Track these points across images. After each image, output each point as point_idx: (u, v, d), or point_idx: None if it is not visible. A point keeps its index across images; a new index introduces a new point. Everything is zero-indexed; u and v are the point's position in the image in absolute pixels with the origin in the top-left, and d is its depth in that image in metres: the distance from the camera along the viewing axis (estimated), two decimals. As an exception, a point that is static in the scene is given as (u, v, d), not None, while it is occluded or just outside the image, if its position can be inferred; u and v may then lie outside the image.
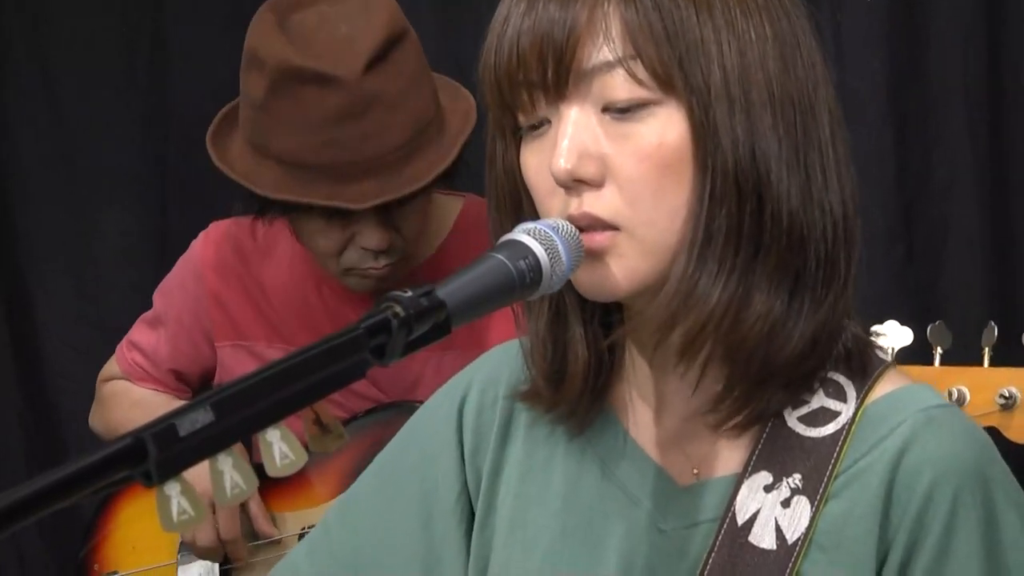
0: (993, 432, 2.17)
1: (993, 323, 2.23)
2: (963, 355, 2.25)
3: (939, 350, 2.24)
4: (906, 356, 2.22)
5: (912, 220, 2.73)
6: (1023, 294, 2.45)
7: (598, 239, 1.31)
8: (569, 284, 1.34)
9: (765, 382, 1.35)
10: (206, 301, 2.57)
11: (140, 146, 3.29)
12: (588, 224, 1.31)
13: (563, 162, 1.30)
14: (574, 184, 1.31)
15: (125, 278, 3.26)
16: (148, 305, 2.71)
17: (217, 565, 2.55)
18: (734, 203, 1.31)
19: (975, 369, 2.23)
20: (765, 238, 1.33)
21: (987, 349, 2.22)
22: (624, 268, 1.33)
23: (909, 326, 2.19)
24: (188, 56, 3.25)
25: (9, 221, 3.33)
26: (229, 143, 2.43)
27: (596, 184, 1.32)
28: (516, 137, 1.37)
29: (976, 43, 2.70)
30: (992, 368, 2.22)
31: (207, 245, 2.59)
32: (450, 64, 2.63)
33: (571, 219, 1.31)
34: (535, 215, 1.36)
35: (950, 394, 2.20)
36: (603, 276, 1.32)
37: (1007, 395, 2.20)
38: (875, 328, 2.20)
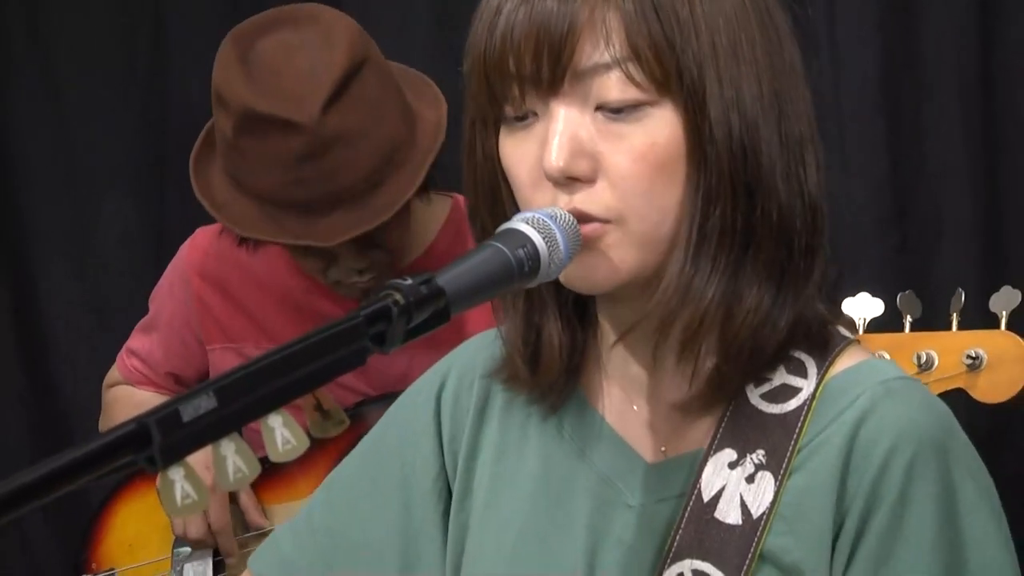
0: (960, 392, 2.23)
1: (961, 289, 2.26)
2: (917, 315, 2.29)
3: (909, 318, 2.27)
4: (880, 326, 2.27)
5: (905, 210, 2.74)
6: (1014, 282, 2.44)
7: (587, 230, 1.31)
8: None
9: (736, 360, 1.36)
10: (194, 305, 2.57)
11: (139, 139, 3.29)
12: (579, 218, 1.30)
13: (556, 159, 1.30)
14: (566, 181, 1.31)
15: (124, 265, 3.27)
16: (146, 291, 2.71)
17: (210, 559, 2.55)
18: (728, 202, 1.32)
19: (943, 333, 2.26)
20: (756, 235, 1.34)
21: (955, 315, 2.25)
22: (612, 260, 1.33)
23: (901, 319, 2.23)
24: (185, 53, 3.24)
25: (14, 211, 3.33)
26: (210, 170, 2.40)
27: (588, 181, 1.31)
28: (496, 126, 1.36)
29: (969, 35, 2.70)
30: (959, 332, 2.25)
31: (193, 250, 2.59)
32: (449, 60, 2.63)
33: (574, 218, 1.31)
34: (512, 203, 1.36)
35: (919, 357, 2.23)
36: (591, 267, 1.32)
37: (974, 355, 2.22)
38: (847, 301, 2.24)
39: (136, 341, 2.66)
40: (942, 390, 2.21)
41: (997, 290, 2.33)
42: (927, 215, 2.74)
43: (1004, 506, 1.37)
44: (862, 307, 2.24)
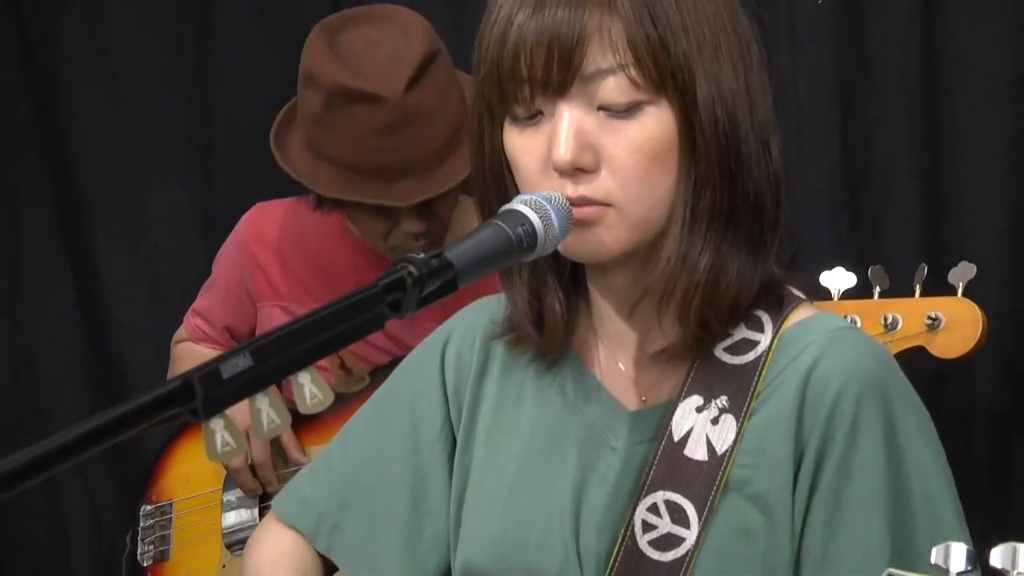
0: (921, 350, 2.26)
1: (924, 264, 2.30)
2: (886, 287, 2.32)
3: (878, 289, 2.30)
4: (851, 296, 2.31)
5: (856, 194, 2.73)
6: (952, 257, 2.45)
7: (588, 211, 1.33)
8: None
9: (725, 324, 1.38)
10: (250, 268, 2.60)
11: (187, 130, 3.28)
12: (582, 203, 1.32)
13: (564, 152, 1.31)
14: (572, 171, 1.32)
15: (174, 243, 3.26)
16: (196, 266, 2.75)
17: (257, 500, 2.56)
18: (716, 186, 1.34)
19: (907, 299, 2.30)
20: (737, 213, 1.35)
21: (918, 286, 2.29)
22: (611, 238, 1.34)
23: (858, 289, 2.26)
24: (228, 52, 3.23)
25: (76, 197, 3.32)
26: (288, 143, 2.46)
27: (592, 171, 1.32)
28: (502, 122, 1.37)
29: (912, 39, 2.69)
30: (921, 298, 2.29)
31: (251, 222, 2.63)
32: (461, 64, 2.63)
33: (568, 200, 1.32)
34: (516, 189, 1.37)
35: (885, 319, 2.28)
36: (593, 243, 1.34)
37: (933, 317, 2.26)
38: (824, 274, 2.29)
39: (199, 302, 2.70)
40: (905, 347, 2.27)
41: (937, 262, 2.36)
42: (875, 198, 2.74)
43: (943, 438, 1.38)
44: (837, 279, 2.29)
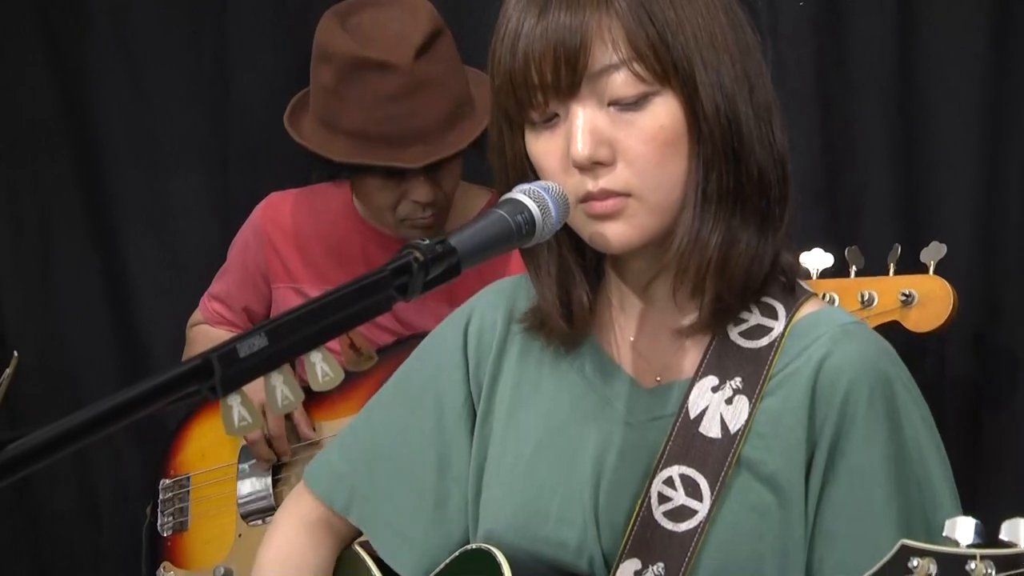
0: (896, 324, 2.27)
1: (897, 244, 2.31)
2: (861, 266, 2.32)
3: (854, 268, 2.31)
4: (828, 275, 2.32)
5: (835, 184, 2.73)
6: (925, 241, 2.45)
7: (611, 204, 1.33)
8: (570, 242, 1.37)
9: (722, 298, 1.37)
10: (265, 252, 2.60)
11: (206, 125, 3.27)
12: (604, 196, 1.32)
13: (582, 148, 1.31)
14: (591, 166, 1.32)
15: (194, 229, 3.26)
16: (214, 251, 2.75)
17: (270, 470, 2.55)
18: (722, 166, 1.34)
19: (882, 278, 2.30)
20: (743, 191, 1.35)
21: (892, 265, 2.29)
22: (635, 226, 1.34)
23: (834, 277, 2.27)
24: (243, 51, 3.22)
25: (103, 186, 3.32)
26: (302, 123, 2.47)
27: (609, 163, 1.32)
28: (522, 127, 1.37)
29: (888, 37, 2.68)
30: (895, 276, 2.30)
31: (266, 210, 2.64)
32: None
33: (590, 195, 1.32)
34: None
35: (862, 295, 2.28)
36: (619, 234, 1.34)
37: (907, 293, 2.27)
38: (804, 255, 2.30)
39: (215, 286, 2.70)
40: (881, 322, 2.28)
41: (910, 245, 2.36)
42: (853, 186, 2.73)
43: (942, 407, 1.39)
44: (816, 259, 2.28)
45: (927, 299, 2.26)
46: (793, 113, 2.69)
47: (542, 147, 1.34)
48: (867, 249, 2.36)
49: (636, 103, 1.31)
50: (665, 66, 1.30)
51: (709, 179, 1.33)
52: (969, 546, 1.03)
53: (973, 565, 1.02)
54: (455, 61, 2.41)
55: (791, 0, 2.68)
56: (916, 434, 1.36)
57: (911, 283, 2.26)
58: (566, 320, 1.43)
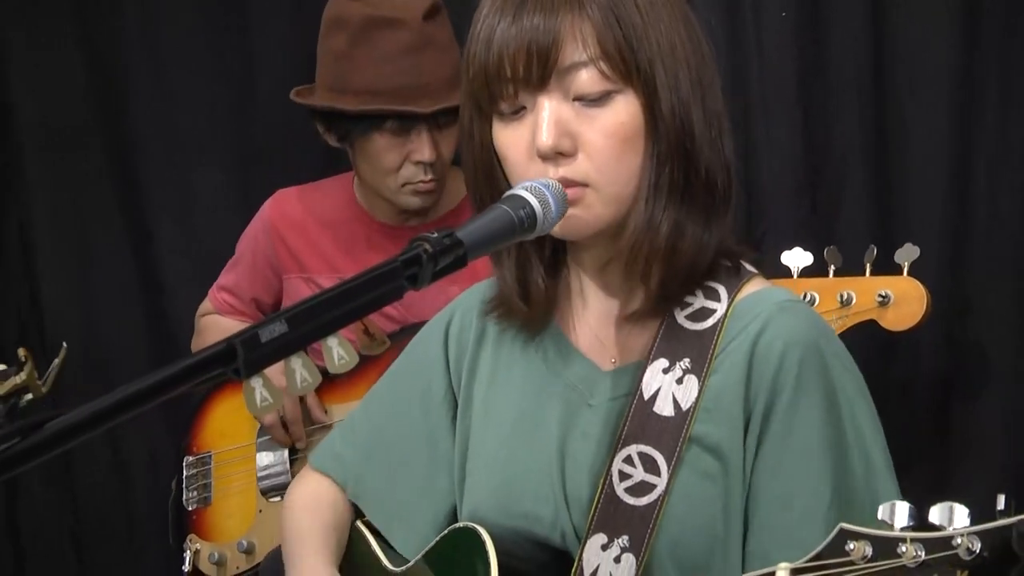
0: (873, 324, 2.25)
1: (873, 245, 2.29)
2: (839, 265, 2.29)
3: (833, 267, 2.28)
4: (809, 273, 2.29)
5: (815, 181, 2.72)
6: (898, 234, 2.46)
7: (569, 193, 1.33)
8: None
9: (682, 286, 1.38)
10: (275, 246, 2.59)
11: (228, 124, 3.27)
12: (564, 184, 1.32)
13: (546, 138, 1.31)
14: (554, 156, 1.32)
15: (217, 222, 3.25)
16: (234, 241, 2.73)
17: (285, 449, 2.55)
18: (674, 163, 1.34)
19: (860, 278, 2.28)
20: (692, 187, 1.36)
21: (868, 265, 2.27)
22: (591, 215, 1.35)
23: (814, 267, 2.24)
24: (263, 55, 3.21)
25: (134, 182, 3.31)
26: (309, 97, 2.49)
27: (570, 154, 1.33)
28: (490, 119, 1.37)
29: (864, 44, 2.67)
30: (872, 277, 2.27)
31: (274, 205, 2.62)
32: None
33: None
34: (505, 179, 1.37)
35: (841, 296, 2.26)
36: (576, 222, 1.34)
37: (884, 294, 2.24)
38: (785, 253, 2.26)
39: (225, 278, 2.69)
40: (858, 321, 2.25)
41: (886, 241, 2.35)
42: (832, 185, 2.72)
43: (890, 402, 1.38)
44: (796, 258, 2.26)
45: (902, 299, 2.24)
46: (776, 115, 2.71)
47: (508, 137, 1.35)
48: (844, 241, 2.36)
49: (599, 99, 1.32)
50: (629, 67, 1.31)
51: (661, 174, 1.33)
52: (902, 529, 1.03)
53: (904, 548, 1.02)
54: (453, 36, 2.41)
55: (775, 11, 2.68)
56: (849, 401, 1.36)
57: (887, 284, 2.25)
58: (524, 301, 1.44)
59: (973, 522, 1.01)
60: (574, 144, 1.32)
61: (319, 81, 2.46)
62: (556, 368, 1.46)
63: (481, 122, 1.38)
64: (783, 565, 1.10)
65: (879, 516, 1.05)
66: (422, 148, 2.37)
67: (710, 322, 1.38)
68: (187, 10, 3.25)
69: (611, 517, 1.36)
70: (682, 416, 1.35)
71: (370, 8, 2.36)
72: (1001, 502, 0.99)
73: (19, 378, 2.14)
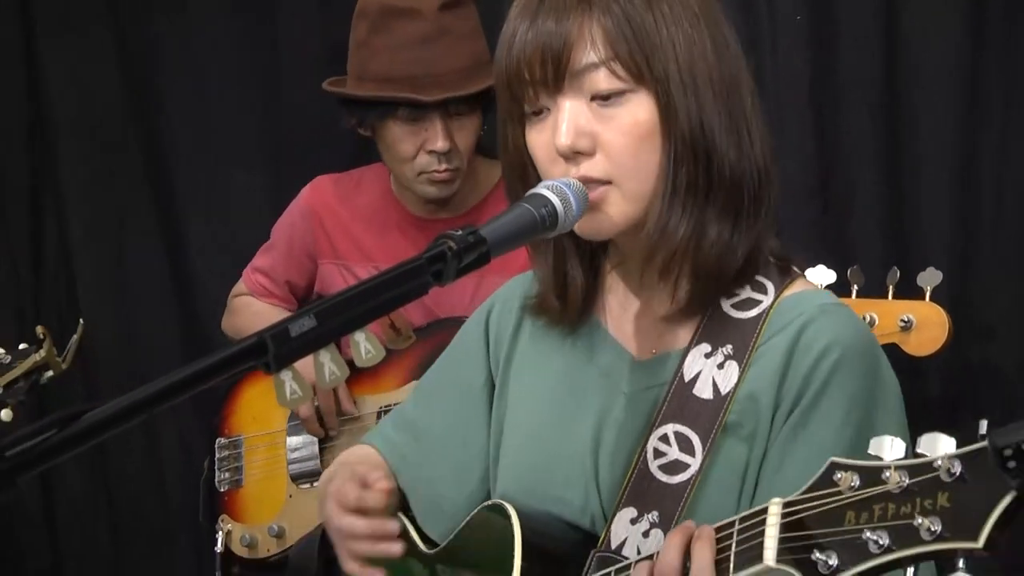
0: (894, 347, 2.21)
1: (896, 268, 2.24)
2: (865, 285, 2.25)
3: (855, 287, 2.24)
4: (831, 290, 2.23)
5: (827, 181, 2.71)
6: (910, 236, 2.44)
7: (595, 193, 1.32)
8: (571, 231, 1.35)
9: (706, 282, 1.37)
10: (312, 231, 2.58)
11: (260, 126, 3.27)
12: (587, 183, 1.32)
13: (564, 139, 1.31)
14: (573, 155, 1.32)
15: (248, 218, 3.25)
16: (265, 238, 2.72)
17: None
18: (691, 162, 1.33)
19: (882, 301, 2.24)
20: (713, 186, 1.34)
21: (891, 287, 2.24)
22: (616, 213, 1.34)
23: (823, 262, 2.19)
24: (295, 50, 3.22)
25: (170, 182, 3.32)
26: (336, 85, 2.50)
27: (589, 153, 1.32)
28: (521, 122, 1.37)
29: (875, 49, 2.66)
30: (894, 300, 2.24)
31: (313, 190, 2.62)
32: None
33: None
34: (537, 178, 1.36)
35: (864, 318, 2.20)
36: (599, 221, 1.34)
37: (905, 320, 2.21)
38: (808, 271, 2.21)
39: (260, 260, 2.68)
40: (881, 344, 2.19)
41: (895, 242, 2.32)
42: (843, 185, 2.71)
43: (919, 420, 1.36)
44: (819, 276, 2.19)
45: (924, 325, 2.20)
46: (789, 116, 2.70)
47: (535, 138, 1.36)
48: (854, 241, 2.33)
49: (614, 98, 1.31)
50: (639, 66, 1.30)
51: (679, 173, 1.32)
52: (894, 461, 1.03)
53: (888, 474, 1.02)
54: (477, 28, 2.40)
55: (789, 16, 2.68)
56: (879, 409, 1.34)
57: (910, 309, 2.21)
58: (560, 299, 1.44)
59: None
60: (592, 143, 1.32)
61: (347, 70, 2.47)
62: (593, 357, 1.46)
63: (513, 125, 1.38)
64: (776, 500, 1.10)
65: (870, 450, 1.05)
66: (435, 137, 2.36)
67: (754, 312, 1.37)
68: (218, 14, 3.26)
69: (643, 492, 1.35)
70: (720, 400, 1.34)
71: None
72: (983, 427, 0.99)
73: (39, 355, 2.15)
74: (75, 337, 2.14)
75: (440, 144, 2.36)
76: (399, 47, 2.33)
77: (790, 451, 1.32)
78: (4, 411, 2.16)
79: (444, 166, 2.38)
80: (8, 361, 2.17)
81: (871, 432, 1.28)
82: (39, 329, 2.15)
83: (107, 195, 3.34)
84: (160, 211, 3.32)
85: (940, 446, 1.01)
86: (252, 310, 2.64)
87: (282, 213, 2.70)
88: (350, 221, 2.56)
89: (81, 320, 2.18)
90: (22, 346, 2.20)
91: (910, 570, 1.01)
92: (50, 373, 2.15)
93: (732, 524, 1.14)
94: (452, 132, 2.37)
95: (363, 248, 2.55)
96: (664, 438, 1.36)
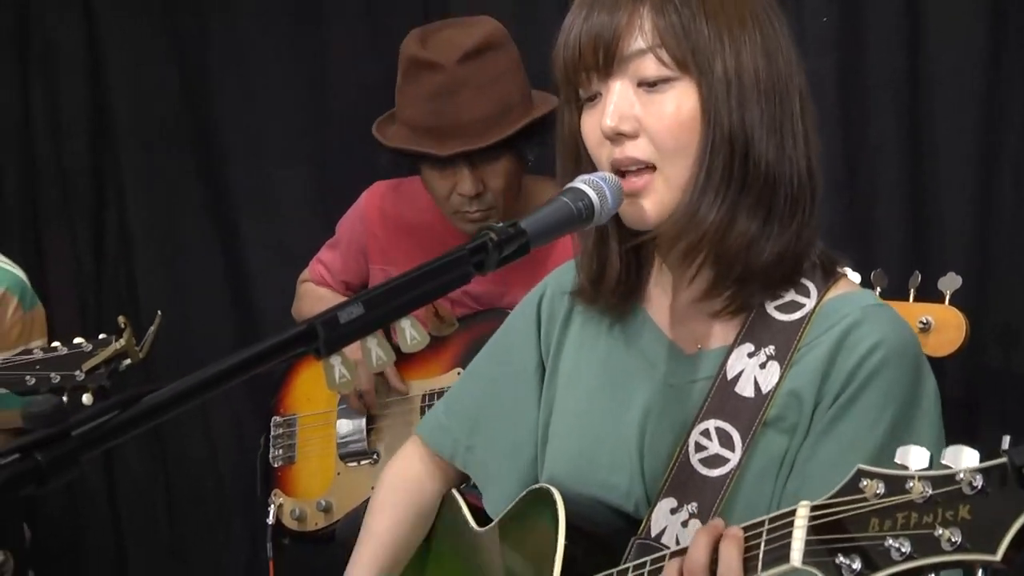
0: None
1: (918, 272, 2.22)
2: (891, 276, 2.22)
3: (879, 289, 2.21)
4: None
5: (853, 176, 2.69)
6: (929, 233, 2.42)
7: (638, 182, 1.32)
8: (615, 218, 1.34)
9: (746, 282, 1.35)
10: (367, 235, 2.59)
11: (308, 127, 3.28)
12: (629, 164, 1.32)
13: (610, 120, 1.32)
14: (616, 137, 1.32)
15: (298, 215, 3.27)
16: (311, 234, 2.74)
17: (364, 415, 2.56)
18: (727, 154, 1.31)
19: (903, 303, 2.21)
20: (748, 180, 1.32)
21: (912, 290, 2.22)
22: (656, 201, 1.33)
23: (849, 254, 2.13)
24: (342, 55, 3.22)
25: (221, 178, 3.34)
26: (379, 126, 2.46)
27: (633, 136, 1.32)
28: (577, 107, 1.37)
29: (899, 48, 2.64)
30: (915, 302, 2.22)
31: (371, 197, 2.61)
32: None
33: (615, 162, 1.32)
34: (590, 161, 1.37)
35: None
36: (641, 208, 1.33)
37: (925, 321, 2.19)
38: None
39: (324, 254, 2.69)
40: None
41: (917, 235, 2.29)
42: (868, 180, 2.69)
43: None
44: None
45: (943, 327, 2.18)
46: (816, 112, 2.68)
47: (587, 122, 1.37)
48: (879, 232, 2.30)
49: (658, 85, 1.32)
50: (684, 55, 1.31)
51: (713, 162, 1.31)
52: (919, 470, 1.02)
53: (912, 484, 1.02)
54: (507, 72, 2.34)
55: (816, 17, 2.66)
56: (917, 411, 1.31)
57: (929, 311, 2.19)
58: (594, 284, 1.43)
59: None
60: (636, 126, 1.32)
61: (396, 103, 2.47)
62: (642, 348, 1.45)
63: (570, 111, 1.39)
64: (804, 503, 1.10)
65: (896, 459, 1.05)
66: (463, 183, 2.34)
67: (798, 315, 1.36)
68: (270, 22, 3.27)
69: (683, 484, 1.34)
70: (761, 398, 1.33)
71: (417, 48, 2.34)
72: (1006, 442, 0.98)
73: (118, 344, 2.16)
74: (152, 328, 2.16)
75: (468, 189, 2.34)
76: (422, 98, 2.31)
77: (823, 442, 1.30)
78: (85, 395, 2.19)
79: (475, 207, 2.36)
80: (89, 349, 2.20)
81: (906, 432, 1.29)
82: (120, 319, 2.17)
83: (164, 192, 3.36)
84: (213, 207, 3.34)
85: (963, 459, 1.01)
86: (316, 295, 2.68)
87: (328, 209, 2.71)
88: (401, 229, 2.56)
89: (159, 312, 2.20)
90: (102, 336, 2.22)
91: None
92: (128, 361, 2.17)
93: (761, 524, 1.14)
94: (482, 175, 2.34)
95: (411, 257, 2.54)
96: (706, 432, 1.34)
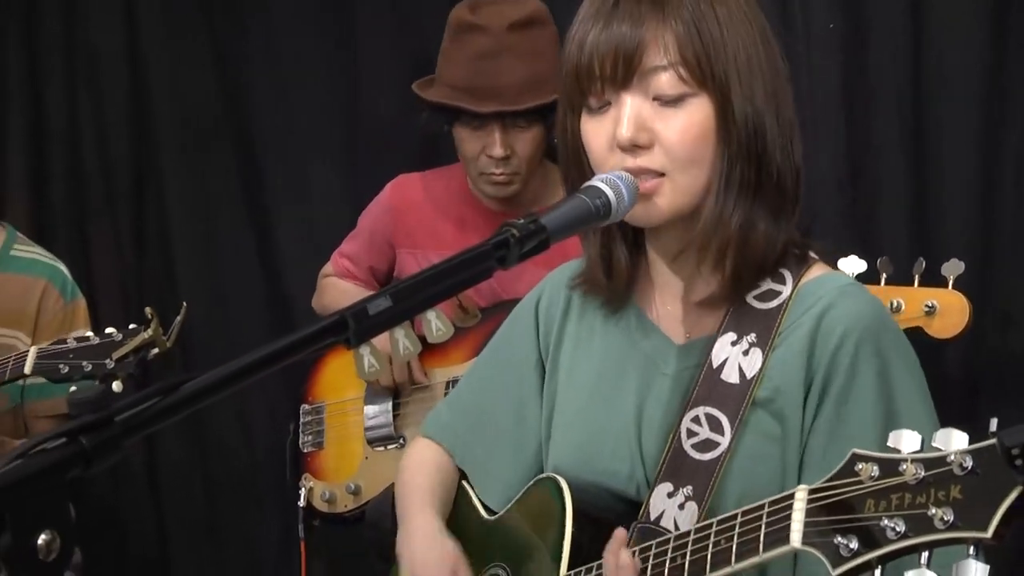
0: (919, 331, 2.18)
1: (922, 259, 2.22)
2: (892, 274, 2.22)
3: (884, 275, 2.23)
4: (862, 280, 2.18)
5: (856, 176, 2.68)
6: (932, 228, 2.40)
7: (649, 185, 1.32)
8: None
9: (742, 276, 1.37)
10: (393, 223, 2.60)
11: (337, 126, 3.29)
12: (640, 172, 1.32)
13: (626, 131, 1.31)
14: (632, 147, 1.32)
15: (327, 210, 3.27)
16: (343, 227, 2.74)
17: (390, 401, 2.56)
18: (744, 164, 1.32)
19: (908, 288, 2.22)
20: (763, 185, 1.34)
21: (917, 276, 2.22)
22: (666, 203, 1.34)
23: (853, 251, 2.18)
24: (372, 54, 3.22)
25: (257, 173, 3.35)
26: (421, 86, 2.51)
27: (647, 147, 1.32)
28: (579, 112, 1.37)
29: (903, 52, 2.62)
30: (919, 288, 2.22)
31: (395, 187, 2.63)
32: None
33: (628, 171, 1.32)
34: (590, 167, 1.37)
35: (891, 303, 2.20)
36: (650, 210, 1.34)
37: (929, 305, 2.19)
38: (841, 261, 2.19)
39: (347, 247, 2.70)
40: (906, 327, 2.17)
41: (920, 234, 2.28)
42: (871, 179, 2.68)
43: (942, 400, 1.35)
44: (851, 265, 2.18)
45: (947, 311, 2.18)
46: (821, 116, 2.67)
47: (593, 129, 1.35)
48: (881, 229, 2.29)
49: (675, 101, 1.31)
50: (705, 73, 1.30)
51: (732, 172, 1.32)
52: (911, 453, 1.02)
53: (904, 467, 1.02)
54: (546, 49, 2.37)
55: (823, 22, 2.65)
56: (901, 378, 1.33)
57: (933, 295, 2.19)
58: (606, 275, 1.44)
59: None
60: (650, 138, 1.32)
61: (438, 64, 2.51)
62: (635, 340, 1.46)
63: (573, 116, 1.38)
64: (802, 487, 1.10)
65: (889, 443, 1.05)
66: (493, 144, 2.38)
67: (775, 302, 1.37)
68: (302, 23, 3.27)
69: (677, 469, 1.35)
70: (746, 383, 1.34)
71: (467, 13, 2.40)
72: (994, 424, 0.99)
73: (147, 334, 2.18)
74: (179, 318, 2.17)
75: (497, 151, 2.38)
76: (466, 59, 2.36)
77: (838, 428, 1.31)
78: (115, 383, 2.21)
79: (501, 170, 2.40)
80: (120, 338, 2.22)
81: (898, 399, 1.31)
82: (147, 310, 2.19)
83: (202, 186, 3.37)
84: (249, 201, 3.35)
85: (954, 441, 1.01)
86: (339, 289, 2.68)
87: (357, 203, 2.72)
88: (428, 213, 2.58)
89: (184, 303, 2.21)
90: (132, 326, 2.24)
91: (924, 555, 1.01)
92: (156, 350, 2.19)
93: (761, 507, 1.14)
94: (512, 140, 2.38)
95: (440, 238, 2.56)
96: (696, 419, 1.36)
